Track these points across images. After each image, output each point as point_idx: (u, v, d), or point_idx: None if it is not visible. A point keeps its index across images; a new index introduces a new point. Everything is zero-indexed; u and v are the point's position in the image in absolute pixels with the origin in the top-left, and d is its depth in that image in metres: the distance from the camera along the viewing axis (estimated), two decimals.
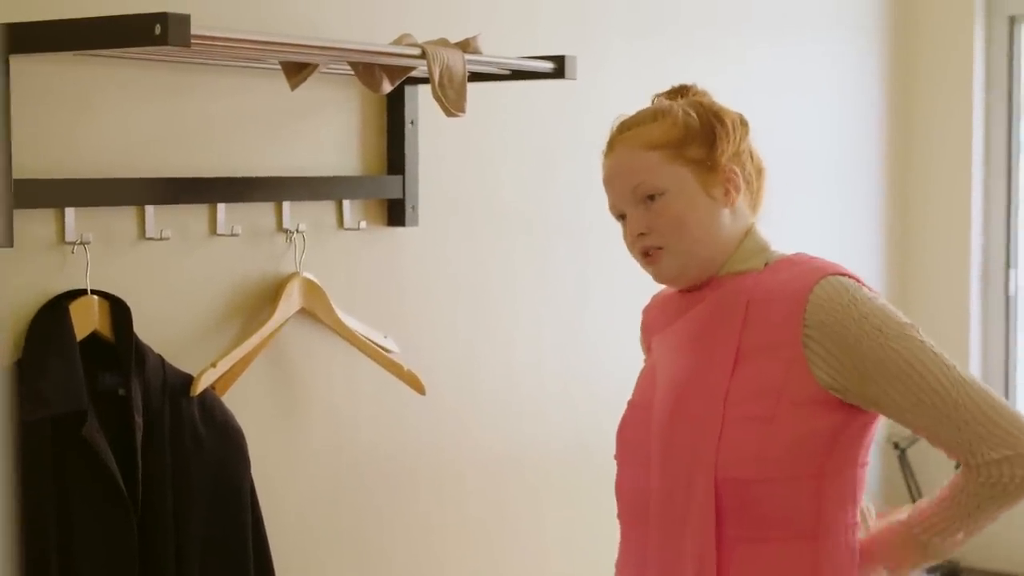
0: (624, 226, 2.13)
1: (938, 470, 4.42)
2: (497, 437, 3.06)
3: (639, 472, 2.11)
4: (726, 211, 2.09)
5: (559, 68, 2.59)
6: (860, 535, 2.09)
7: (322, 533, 2.64)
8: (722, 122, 2.09)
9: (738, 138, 2.10)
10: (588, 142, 3.27)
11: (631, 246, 2.12)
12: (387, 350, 2.65)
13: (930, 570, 4.41)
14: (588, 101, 3.23)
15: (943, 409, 1.96)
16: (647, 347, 2.27)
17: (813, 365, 1.99)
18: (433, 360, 2.84)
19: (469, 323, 2.97)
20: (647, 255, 2.10)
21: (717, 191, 2.08)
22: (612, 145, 2.14)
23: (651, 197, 2.07)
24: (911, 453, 4.47)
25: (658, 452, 2.07)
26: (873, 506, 2.17)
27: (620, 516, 2.19)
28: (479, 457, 3.01)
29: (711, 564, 2.01)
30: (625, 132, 2.12)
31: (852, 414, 2.02)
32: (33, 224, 2.12)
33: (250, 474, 2.33)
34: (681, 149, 2.07)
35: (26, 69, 2.09)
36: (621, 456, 2.17)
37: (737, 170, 2.10)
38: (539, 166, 3.14)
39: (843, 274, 2.04)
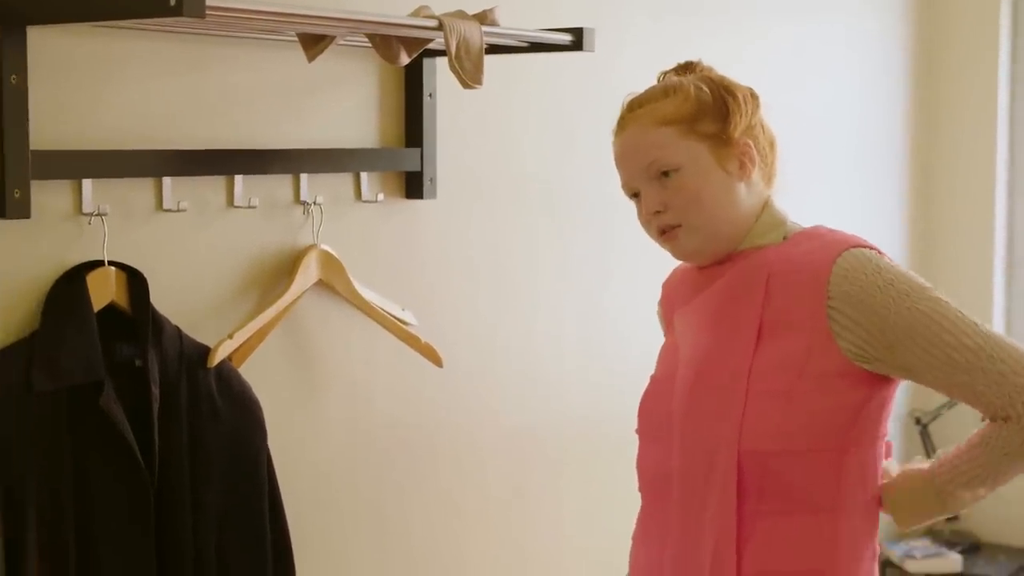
0: (638, 204, 2.13)
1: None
2: (516, 411, 3.06)
3: (661, 447, 2.11)
4: (741, 185, 2.09)
5: (577, 40, 2.58)
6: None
7: (339, 505, 2.64)
8: (734, 96, 2.09)
9: (750, 111, 2.10)
10: (608, 117, 3.26)
11: (646, 224, 2.13)
12: (405, 322, 2.65)
13: (951, 545, 4.41)
14: (609, 76, 3.22)
15: (978, 364, 1.97)
16: (667, 320, 2.27)
17: (839, 337, 1.99)
18: (451, 333, 2.84)
19: (487, 296, 2.97)
20: (664, 233, 2.10)
21: (732, 165, 2.08)
22: (623, 123, 2.14)
23: (665, 174, 2.07)
24: (933, 428, 4.46)
25: (680, 426, 2.08)
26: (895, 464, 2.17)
27: (641, 490, 2.20)
28: (497, 430, 3.01)
29: (731, 537, 2.01)
30: (636, 109, 2.12)
31: (876, 386, 2.02)
32: (50, 195, 2.12)
33: (267, 445, 2.33)
34: (694, 124, 2.07)
35: (45, 41, 2.09)
36: (643, 430, 2.18)
37: (751, 143, 2.10)
38: (559, 139, 3.13)
39: (864, 246, 2.05)
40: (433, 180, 2.73)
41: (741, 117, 2.08)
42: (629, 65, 3.30)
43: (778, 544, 2.02)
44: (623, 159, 2.14)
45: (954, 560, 4.34)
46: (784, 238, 2.10)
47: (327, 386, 2.60)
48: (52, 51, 2.12)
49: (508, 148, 3.00)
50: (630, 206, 3.47)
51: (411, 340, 2.63)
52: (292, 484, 2.45)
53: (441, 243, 2.83)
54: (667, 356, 2.19)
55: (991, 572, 4.35)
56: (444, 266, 2.85)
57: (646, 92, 2.14)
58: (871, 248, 2.05)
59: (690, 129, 2.07)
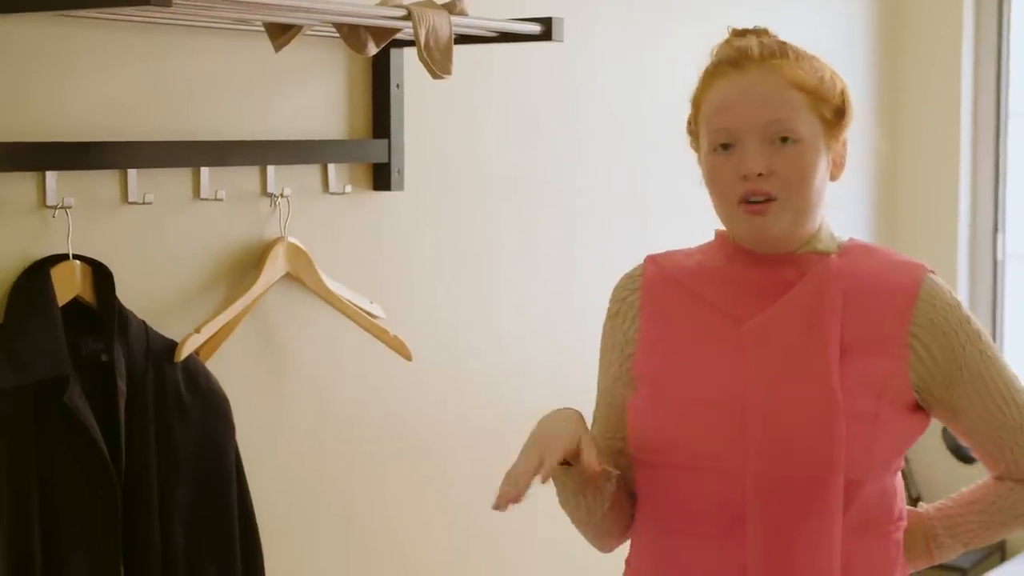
0: (722, 158, 1.90)
1: (935, 466, 4.45)
2: (483, 403, 3.05)
3: (727, 478, 1.89)
4: (828, 184, 1.96)
5: (546, 30, 2.56)
6: None
7: (306, 500, 2.62)
8: (848, 91, 1.97)
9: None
10: (576, 106, 3.26)
11: (732, 183, 1.89)
12: (373, 315, 2.63)
13: None
14: (576, 66, 3.21)
15: (1020, 422, 1.96)
16: (650, 310, 2.01)
17: (911, 366, 1.92)
18: (419, 325, 2.82)
19: (456, 288, 2.95)
20: (751, 203, 1.89)
21: (831, 159, 1.95)
22: (744, 64, 1.91)
23: (784, 139, 1.88)
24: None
25: (762, 451, 1.88)
26: None
27: (681, 528, 1.96)
28: (465, 423, 3.00)
29: (835, 564, 1.89)
30: (769, 60, 1.91)
31: (926, 418, 1.98)
32: (13, 188, 2.09)
33: (235, 440, 2.31)
34: (820, 102, 1.92)
35: (7, 30, 2.06)
36: (695, 462, 1.92)
37: (847, 145, 1.98)
38: (527, 130, 3.11)
39: (933, 271, 1.98)
40: (401, 172, 2.71)
41: (852, 119, 1.97)
42: (595, 54, 3.28)
43: (859, 569, 1.92)
44: (737, 103, 1.89)
45: None
46: (839, 247, 1.98)
47: (295, 380, 2.58)
48: (14, 41, 2.08)
49: (476, 139, 2.98)
50: (598, 197, 3.45)
51: (380, 333, 2.61)
52: (260, 479, 2.43)
53: (409, 235, 2.81)
54: (716, 373, 1.93)
55: (956, 561, 4.36)
56: (412, 258, 2.83)
57: (771, 44, 1.93)
58: (936, 274, 1.98)
59: (815, 104, 1.91)
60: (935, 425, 2.03)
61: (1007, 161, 4.64)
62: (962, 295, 4.62)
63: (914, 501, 4.45)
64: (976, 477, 2.09)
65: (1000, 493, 2.01)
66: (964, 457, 4.30)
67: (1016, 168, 4.65)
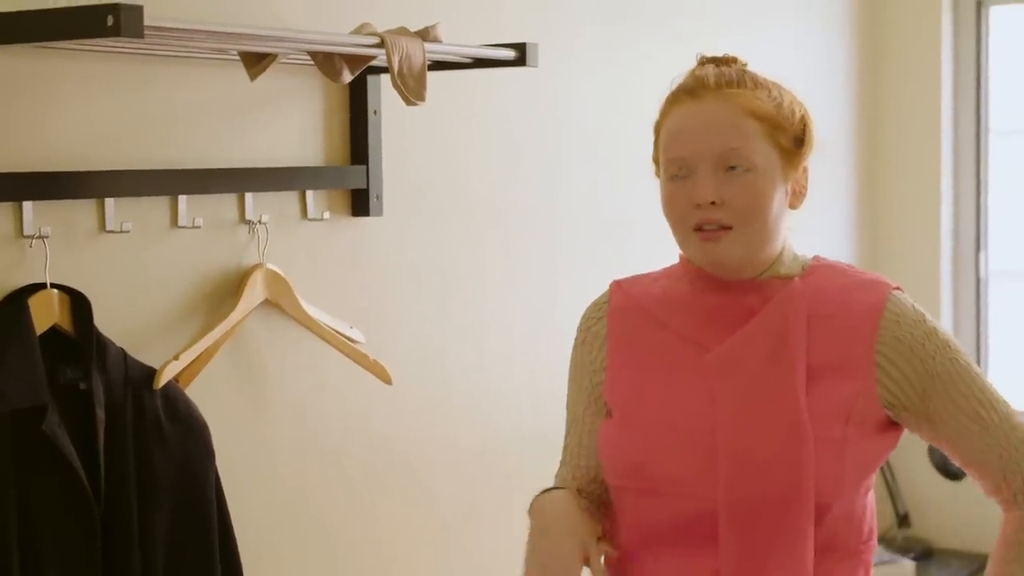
0: (679, 187, 1.91)
1: (921, 484, 4.45)
2: (466, 428, 3.05)
3: (698, 504, 1.89)
4: (787, 211, 1.96)
5: (521, 56, 2.58)
6: None
7: (288, 526, 2.62)
8: (809, 118, 1.98)
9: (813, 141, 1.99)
10: (555, 130, 3.28)
11: (686, 211, 1.90)
12: (353, 341, 2.64)
13: (904, 552, 4.43)
14: (555, 90, 3.22)
15: (1002, 427, 1.94)
16: (619, 338, 2.02)
17: (879, 384, 1.91)
18: (400, 351, 2.83)
19: (436, 313, 2.96)
20: (704, 231, 1.89)
21: (789, 187, 1.95)
22: (701, 94, 1.92)
23: (733, 167, 1.88)
24: (893, 459, 4.48)
25: (732, 477, 1.87)
26: None
27: (653, 549, 1.96)
28: (448, 448, 3.00)
29: None
30: (725, 88, 1.92)
31: (898, 433, 1.98)
32: None
33: (215, 468, 2.32)
34: (776, 131, 1.92)
35: None
36: (665, 488, 1.93)
37: (807, 173, 1.99)
38: (505, 155, 3.13)
39: (898, 288, 1.98)
40: (379, 197, 2.72)
41: (813, 143, 1.98)
42: (574, 79, 3.30)
43: None
44: (693, 132, 1.90)
45: (907, 567, 4.35)
46: (803, 269, 1.98)
47: (275, 406, 2.59)
48: None
49: (454, 164, 2.99)
50: (578, 220, 3.46)
51: (360, 358, 2.62)
52: (242, 505, 2.43)
53: (388, 260, 2.82)
54: (684, 400, 1.93)
55: None
56: (392, 283, 2.84)
57: (728, 73, 1.95)
58: (902, 290, 1.98)
59: (771, 133, 1.91)
60: (921, 442, 2.02)
61: (988, 179, 4.65)
62: (945, 314, 4.63)
63: (901, 518, 4.49)
64: (963, 493, 2.08)
65: (1017, 527, 1.97)
66: (950, 474, 4.31)
67: (997, 186, 4.67)
